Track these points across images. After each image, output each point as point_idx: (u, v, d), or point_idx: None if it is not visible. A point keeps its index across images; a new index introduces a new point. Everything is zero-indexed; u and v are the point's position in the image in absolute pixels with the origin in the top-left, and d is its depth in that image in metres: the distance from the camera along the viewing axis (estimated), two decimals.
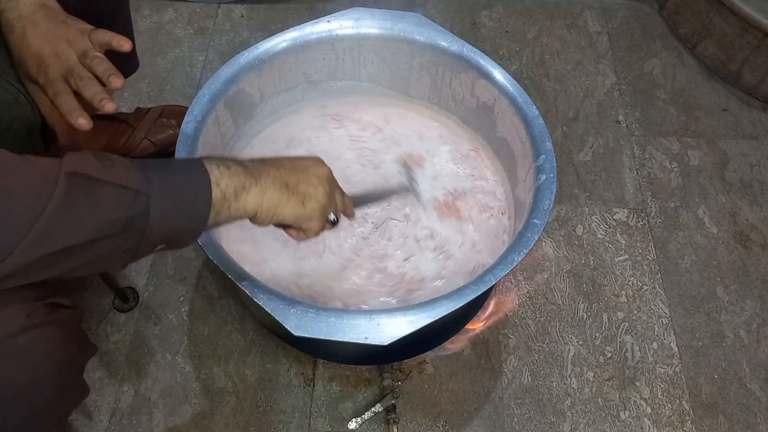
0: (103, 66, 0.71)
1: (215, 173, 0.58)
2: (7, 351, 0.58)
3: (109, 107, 0.70)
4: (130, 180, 0.52)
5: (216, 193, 0.57)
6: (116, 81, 0.70)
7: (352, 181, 0.99)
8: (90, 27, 0.74)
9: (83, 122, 0.71)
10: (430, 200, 0.99)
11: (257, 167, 0.63)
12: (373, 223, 0.96)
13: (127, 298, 1.06)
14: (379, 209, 0.97)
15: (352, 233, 0.95)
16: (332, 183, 0.70)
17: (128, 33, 1.04)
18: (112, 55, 1.00)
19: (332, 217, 0.70)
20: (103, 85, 0.70)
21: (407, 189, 0.96)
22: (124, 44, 0.73)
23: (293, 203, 0.64)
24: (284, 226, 0.68)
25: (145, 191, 0.52)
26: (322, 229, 0.70)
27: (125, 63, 1.06)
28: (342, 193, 0.73)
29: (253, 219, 0.63)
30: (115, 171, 0.52)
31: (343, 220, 0.74)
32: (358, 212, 0.85)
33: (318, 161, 0.70)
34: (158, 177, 0.54)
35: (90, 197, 0.49)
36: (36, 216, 0.47)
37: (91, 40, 0.73)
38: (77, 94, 0.71)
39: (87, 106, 0.70)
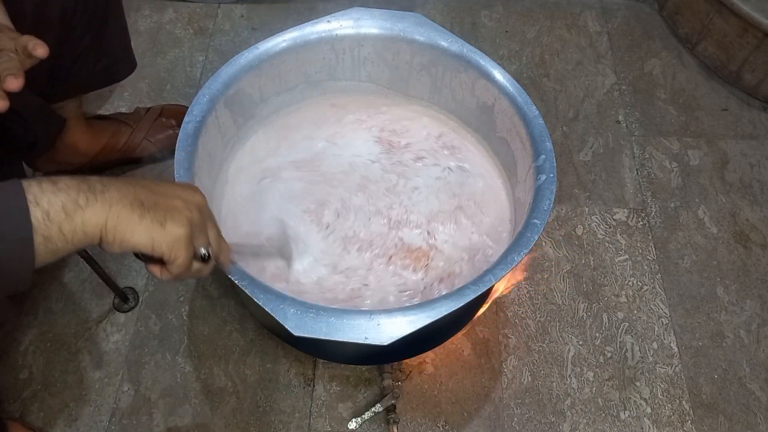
0: (7, 65, 0.64)
1: (34, 190, 0.49)
2: None
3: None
4: None
5: (36, 213, 0.49)
6: (12, 82, 0.62)
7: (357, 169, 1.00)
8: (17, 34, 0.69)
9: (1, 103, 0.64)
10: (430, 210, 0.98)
11: (104, 182, 0.54)
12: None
13: (127, 298, 1.07)
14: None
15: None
16: (205, 213, 0.61)
17: (122, 33, 1.04)
18: (107, 55, 1.00)
19: (202, 251, 0.60)
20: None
21: (282, 254, 0.88)
22: (38, 48, 0.65)
23: (147, 223, 0.54)
24: (144, 258, 0.59)
25: None
26: (189, 264, 0.59)
27: (120, 63, 1.06)
28: (218, 231, 0.64)
29: (101, 243, 0.54)
30: None
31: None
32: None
33: (191, 188, 0.62)
34: None
35: None
36: None
37: (16, 42, 0.67)
38: None
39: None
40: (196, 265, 0.60)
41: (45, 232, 0.49)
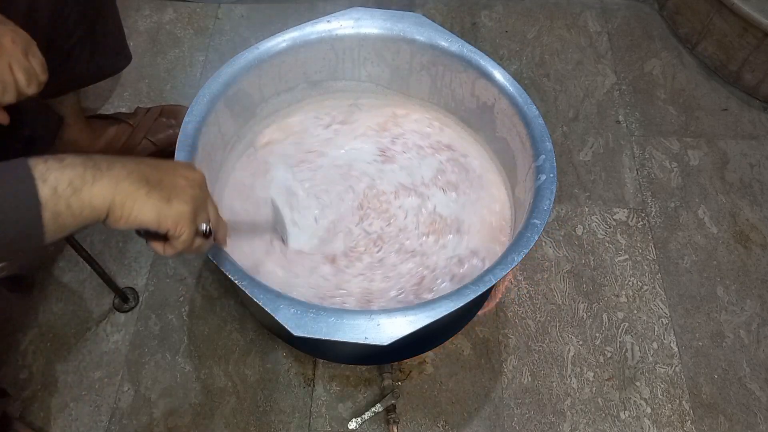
0: None
1: (40, 167, 0.50)
2: None
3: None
4: None
5: (44, 189, 0.50)
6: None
7: (352, 176, 1.00)
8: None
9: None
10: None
11: (110, 160, 0.55)
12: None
13: (127, 298, 1.07)
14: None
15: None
16: (205, 190, 0.62)
17: (116, 25, 1.03)
18: (101, 47, 1.00)
19: (204, 227, 0.61)
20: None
21: (275, 229, 0.90)
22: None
23: (154, 199, 0.55)
24: (147, 235, 0.60)
25: None
26: (192, 241, 0.60)
27: (114, 56, 1.05)
28: (216, 209, 0.66)
29: (107, 219, 0.55)
30: None
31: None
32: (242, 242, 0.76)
33: (190, 166, 0.63)
34: None
35: None
36: None
37: None
38: None
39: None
40: (198, 240, 0.62)
41: (53, 208, 0.50)
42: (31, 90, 0.67)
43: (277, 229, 0.90)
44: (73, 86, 1.05)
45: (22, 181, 0.50)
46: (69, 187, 0.51)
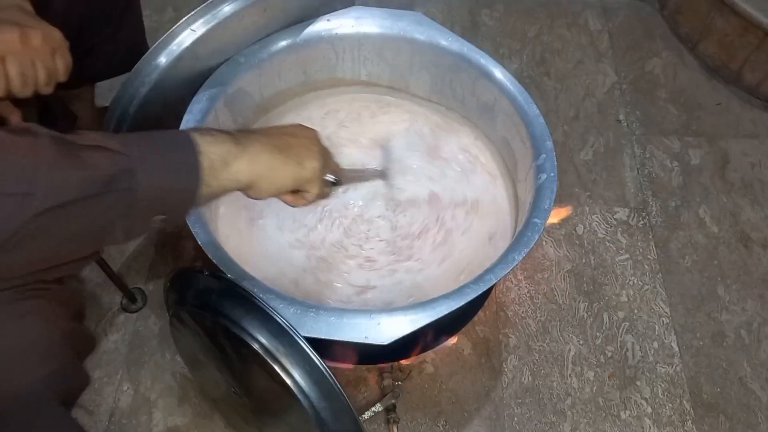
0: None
1: (198, 140, 0.55)
2: (6, 315, 0.57)
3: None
4: (105, 142, 0.50)
5: (203, 161, 0.55)
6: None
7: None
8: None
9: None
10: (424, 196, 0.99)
11: (244, 135, 0.60)
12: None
13: (135, 298, 1.06)
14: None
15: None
16: (324, 144, 0.68)
17: (139, 21, 1.03)
18: (124, 43, 1.00)
19: (332, 177, 0.67)
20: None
21: (383, 173, 0.97)
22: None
23: (291, 166, 0.61)
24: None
25: (124, 152, 0.50)
26: (321, 192, 0.67)
27: (135, 52, 1.05)
28: (332, 156, 0.71)
29: (250, 189, 0.60)
30: (89, 136, 0.51)
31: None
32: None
33: (303, 126, 0.68)
34: (137, 140, 0.53)
35: (72, 156, 0.48)
36: (32, 177, 0.46)
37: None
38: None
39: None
40: (326, 190, 0.68)
41: (207, 180, 0.55)
42: (47, 89, 0.68)
43: (382, 174, 0.97)
44: (94, 78, 1.05)
45: (187, 154, 0.54)
46: (220, 161, 0.56)
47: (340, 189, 0.82)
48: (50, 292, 0.62)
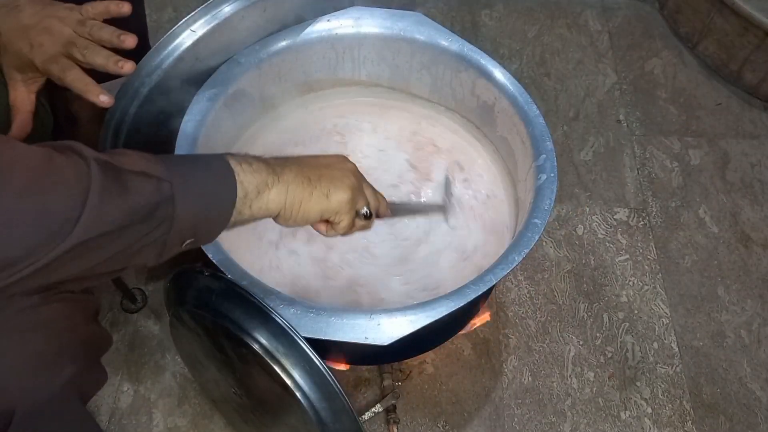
0: (107, 30, 0.66)
1: (237, 168, 0.56)
2: (30, 322, 0.57)
3: (127, 67, 0.66)
4: (149, 168, 0.50)
5: (239, 191, 0.55)
6: (129, 40, 0.66)
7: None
8: (78, 6, 0.68)
9: (105, 99, 0.66)
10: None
11: (279, 164, 0.60)
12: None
13: (135, 299, 1.06)
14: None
15: None
16: (359, 177, 0.68)
17: (144, 23, 1.03)
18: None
19: (364, 210, 0.67)
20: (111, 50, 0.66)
21: (443, 208, 0.95)
22: (123, 7, 0.68)
23: (317, 197, 0.62)
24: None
25: (167, 178, 0.51)
26: (353, 224, 0.67)
27: (140, 54, 1.05)
28: (374, 189, 0.71)
29: (277, 218, 0.61)
30: (131, 159, 0.50)
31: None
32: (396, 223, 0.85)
33: (342, 157, 0.68)
34: (178, 166, 0.53)
35: (118, 183, 0.48)
36: (81, 203, 0.45)
37: (82, 14, 0.68)
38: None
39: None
40: (360, 222, 0.68)
41: (240, 209, 0.56)
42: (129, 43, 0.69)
43: (445, 206, 0.95)
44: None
45: (227, 184, 0.55)
46: (255, 191, 0.57)
47: (394, 220, 0.84)
48: (75, 295, 0.62)
